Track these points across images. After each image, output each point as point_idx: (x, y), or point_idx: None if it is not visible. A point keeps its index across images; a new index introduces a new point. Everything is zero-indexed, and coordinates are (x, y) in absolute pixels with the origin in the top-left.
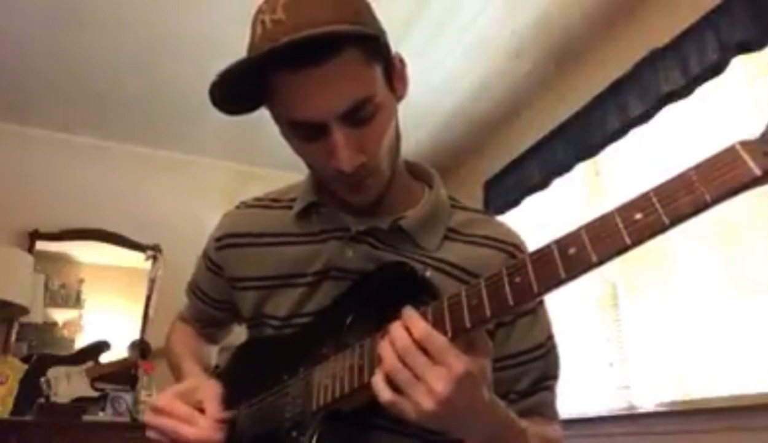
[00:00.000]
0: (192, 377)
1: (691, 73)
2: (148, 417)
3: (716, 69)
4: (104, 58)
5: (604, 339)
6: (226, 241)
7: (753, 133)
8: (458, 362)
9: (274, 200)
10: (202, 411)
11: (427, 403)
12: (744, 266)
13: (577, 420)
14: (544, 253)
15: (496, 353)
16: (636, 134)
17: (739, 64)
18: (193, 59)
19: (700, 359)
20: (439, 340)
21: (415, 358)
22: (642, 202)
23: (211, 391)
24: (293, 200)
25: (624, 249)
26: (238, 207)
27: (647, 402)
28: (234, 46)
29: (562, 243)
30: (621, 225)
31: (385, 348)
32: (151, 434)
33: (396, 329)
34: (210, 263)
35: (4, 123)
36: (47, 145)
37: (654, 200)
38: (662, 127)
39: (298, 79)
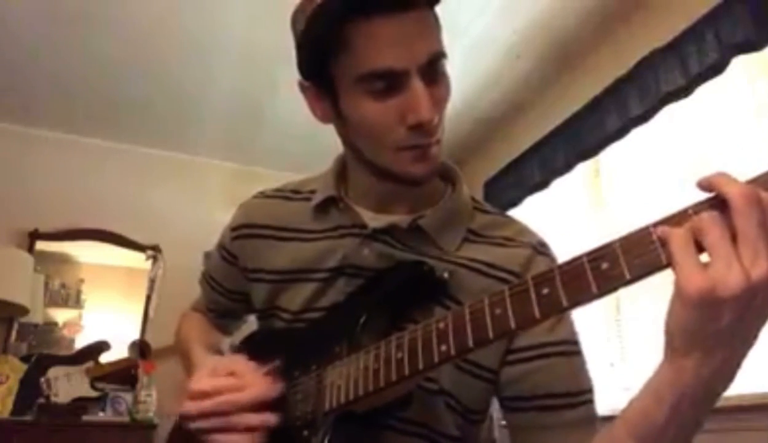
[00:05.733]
0: (204, 360)
1: (691, 73)
2: (190, 406)
3: (716, 69)
4: (106, 58)
5: (604, 338)
6: (242, 231)
7: (756, 133)
8: None
9: (294, 191)
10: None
11: (740, 280)
12: None
13: None
14: (574, 265)
15: (515, 343)
16: (636, 134)
17: (739, 64)
18: (195, 60)
19: None
20: None
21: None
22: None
23: (239, 360)
24: (313, 191)
25: (660, 267)
26: (256, 197)
27: None
28: (237, 47)
29: (594, 256)
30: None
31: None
32: (197, 424)
33: (733, 182)
34: (225, 253)
35: (4, 123)
36: (47, 145)
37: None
38: (662, 127)
39: (385, 26)
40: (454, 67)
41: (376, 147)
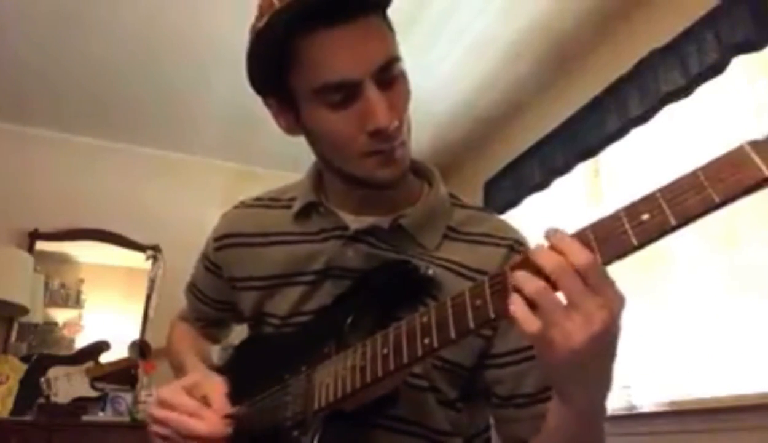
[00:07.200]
0: (195, 372)
1: (691, 73)
2: (152, 409)
3: (716, 69)
4: (104, 58)
5: None
6: (224, 241)
7: (756, 133)
8: (617, 296)
9: (273, 199)
10: (207, 406)
11: (581, 335)
12: (743, 266)
13: None
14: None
15: (498, 348)
16: (636, 134)
17: (739, 64)
18: (192, 60)
19: (699, 359)
20: (601, 268)
21: (571, 282)
22: (649, 202)
23: (217, 386)
24: (292, 199)
25: (630, 251)
26: (236, 207)
27: (647, 402)
28: (234, 46)
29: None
30: (627, 226)
31: (523, 276)
32: (155, 428)
33: (543, 253)
34: (209, 264)
35: (4, 123)
36: (47, 145)
37: (661, 200)
38: (662, 127)
39: (332, 37)
40: (454, 67)
41: (342, 156)
